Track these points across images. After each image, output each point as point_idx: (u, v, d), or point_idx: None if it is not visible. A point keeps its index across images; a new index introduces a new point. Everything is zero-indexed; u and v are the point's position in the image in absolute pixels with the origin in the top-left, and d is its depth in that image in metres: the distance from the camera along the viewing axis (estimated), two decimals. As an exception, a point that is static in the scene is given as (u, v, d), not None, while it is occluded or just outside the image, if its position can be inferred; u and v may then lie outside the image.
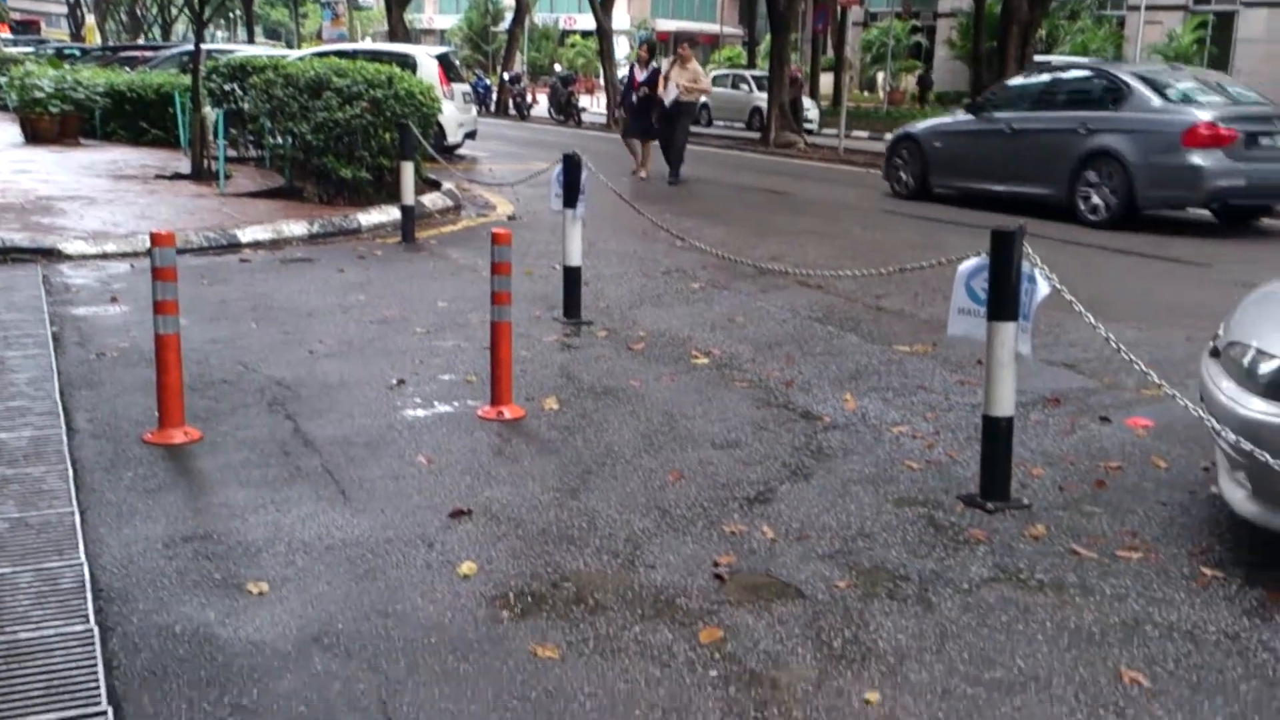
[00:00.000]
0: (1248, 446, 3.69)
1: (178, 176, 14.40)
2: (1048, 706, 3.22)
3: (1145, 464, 5.16)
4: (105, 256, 9.81)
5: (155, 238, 5.35)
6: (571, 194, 7.78)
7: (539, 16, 63.80)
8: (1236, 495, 4.00)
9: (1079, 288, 4.68)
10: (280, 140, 13.24)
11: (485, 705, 3.20)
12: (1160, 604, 3.83)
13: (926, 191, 15.36)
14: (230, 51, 21.23)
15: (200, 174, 14.19)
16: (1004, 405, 4.59)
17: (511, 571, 4.04)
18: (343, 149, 12.32)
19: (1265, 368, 3.88)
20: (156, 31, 50.72)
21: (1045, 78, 15.39)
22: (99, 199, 12.44)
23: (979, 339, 4.63)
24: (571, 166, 7.82)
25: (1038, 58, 20.95)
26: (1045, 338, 7.12)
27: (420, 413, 5.81)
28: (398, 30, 33.87)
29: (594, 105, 44.64)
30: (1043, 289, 4.48)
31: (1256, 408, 3.81)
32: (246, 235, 10.70)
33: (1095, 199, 12.95)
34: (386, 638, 3.57)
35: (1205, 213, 13.50)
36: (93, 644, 3.45)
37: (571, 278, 7.86)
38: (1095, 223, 12.76)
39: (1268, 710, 3.20)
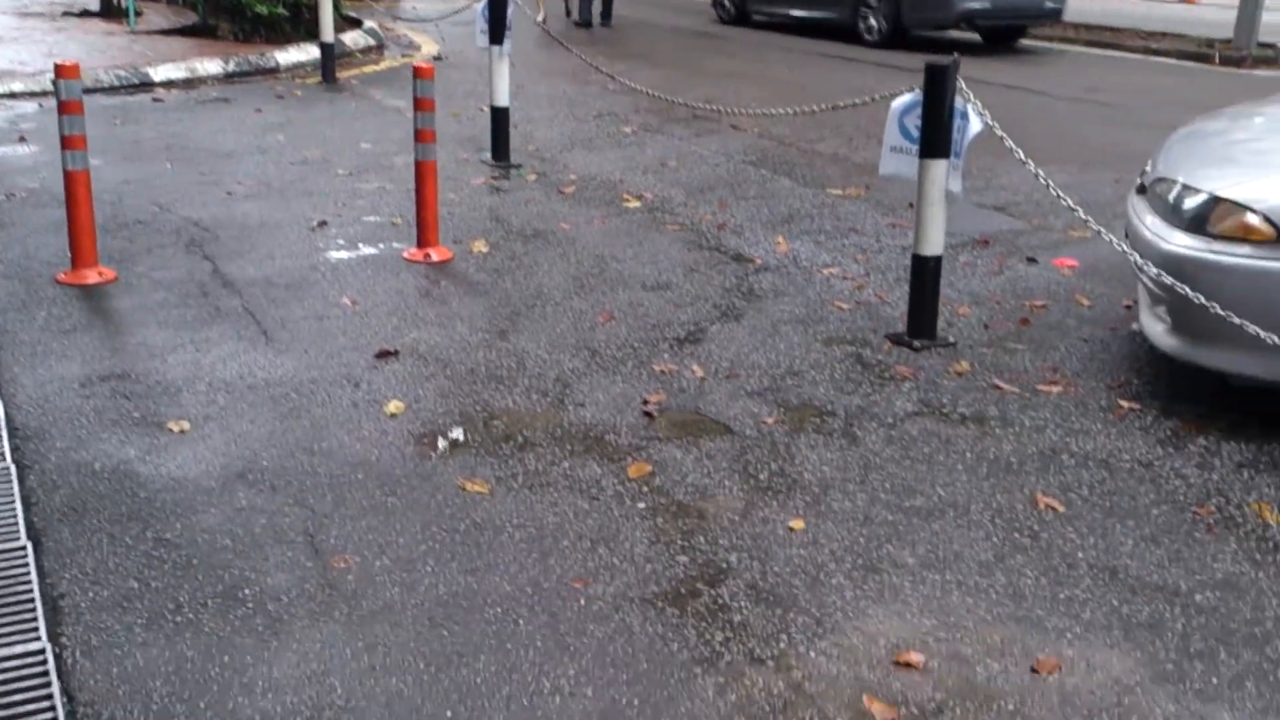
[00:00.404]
0: (1169, 280, 3.73)
1: (86, 14, 13.75)
2: (965, 530, 3.30)
3: (1069, 303, 5.23)
4: (12, 96, 9.39)
5: (60, 69, 5.09)
6: (498, 29, 7.51)
7: None
8: (1156, 329, 4.06)
9: (1009, 129, 4.64)
10: (192, -26, 12.62)
11: (413, 537, 3.21)
12: (1077, 435, 3.92)
13: (745, 18, 16.77)
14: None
15: (109, 11, 13.55)
16: (933, 244, 4.60)
17: (440, 410, 4.01)
18: (258, -17, 11.77)
19: (1190, 202, 3.90)
20: None
21: None
22: (4, 37, 11.85)
23: (910, 178, 4.60)
24: (497, 0, 7.53)
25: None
26: (976, 181, 7.11)
27: (344, 254, 5.69)
28: None
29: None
30: (974, 126, 4.44)
31: (1179, 241, 3.84)
32: (159, 74, 10.27)
33: (872, 21, 14.59)
34: (312, 474, 3.54)
35: (975, 36, 15.28)
36: (10, 481, 3.39)
37: (499, 119, 7.65)
38: (871, 42, 14.43)
39: (1177, 533, 3.31)
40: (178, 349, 4.45)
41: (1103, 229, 4.14)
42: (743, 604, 2.94)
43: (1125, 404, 4.16)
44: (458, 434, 3.84)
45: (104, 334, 4.60)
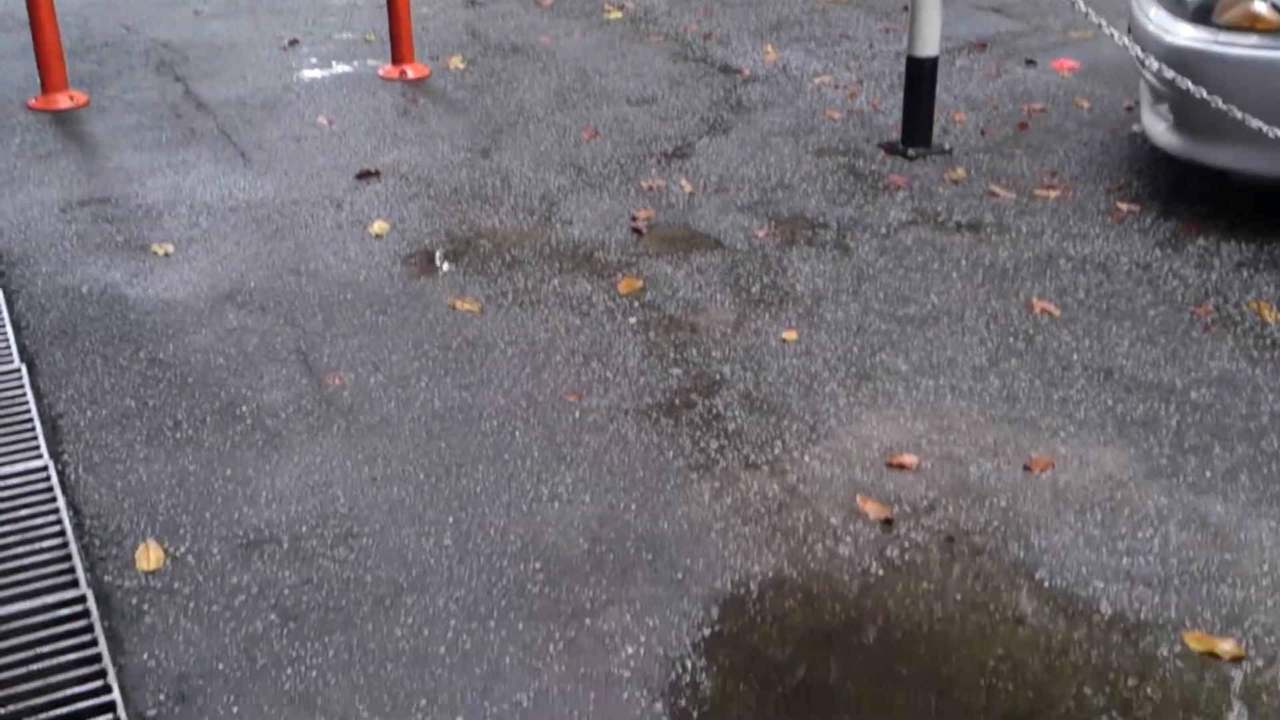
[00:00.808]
0: (1172, 75, 3.62)
1: None
2: (959, 337, 3.29)
3: (1069, 105, 5.11)
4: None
5: (6, -122, 4.82)
6: None
7: None
8: (1158, 128, 3.97)
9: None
10: None
11: (406, 355, 3.19)
12: (1075, 239, 3.88)
13: None
14: None
15: None
16: (928, 45, 4.45)
17: (425, 230, 3.95)
18: None
19: (1196, -8, 3.76)
20: None
21: None
22: None
23: (905, -24, 4.43)
24: None
25: None
26: (971, -16, 6.89)
27: (318, 73, 5.51)
28: None
29: None
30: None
31: (1184, 34, 3.71)
32: (115, -111, 9.76)
33: None
34: (301, 294, 3.50)
35: None
36: (-3, 306, 3.36)
37: (475, -72, 7.33)
38: None
39: (1173, 333, 3.31)
40: (156, 172, 4.35)
41: (1103, 22, 4.01)
42: (737, 413, 2.94)
43: (1124, 206, 4.11)
44: (445, 254, 3.79)
45: (80, 158, 4.49)
